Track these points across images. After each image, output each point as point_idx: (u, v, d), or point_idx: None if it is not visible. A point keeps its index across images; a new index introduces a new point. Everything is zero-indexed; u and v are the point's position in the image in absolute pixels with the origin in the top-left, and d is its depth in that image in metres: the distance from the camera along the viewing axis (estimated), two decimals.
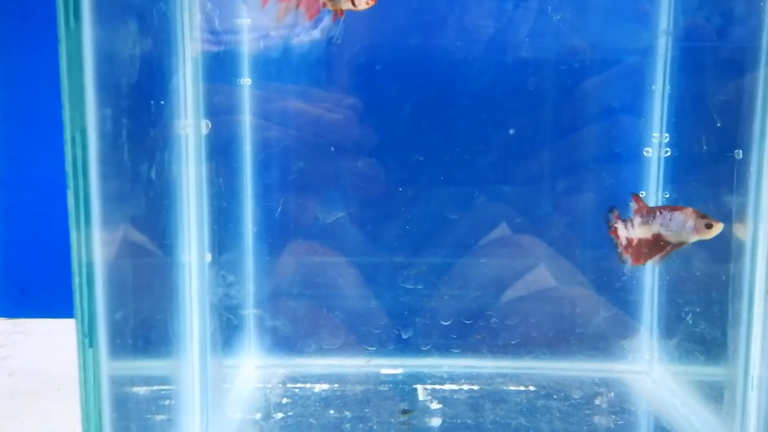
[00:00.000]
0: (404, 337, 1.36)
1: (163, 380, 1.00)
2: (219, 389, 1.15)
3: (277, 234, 1.34)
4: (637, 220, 1.07)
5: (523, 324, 1.35)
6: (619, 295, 1.34)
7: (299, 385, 1.29)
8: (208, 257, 1.06)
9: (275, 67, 1.31)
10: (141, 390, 0.93)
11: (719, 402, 1.10)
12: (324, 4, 0.97)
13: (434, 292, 1.35)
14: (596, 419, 1.17)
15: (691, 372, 1.24)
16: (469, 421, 1.15)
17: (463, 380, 1.31)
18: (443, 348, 1.36)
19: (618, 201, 1.31)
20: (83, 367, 0.78)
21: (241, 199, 1.31)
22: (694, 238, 1.03)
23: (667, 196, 1.28)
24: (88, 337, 0.77)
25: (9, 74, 1.66)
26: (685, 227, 1.03)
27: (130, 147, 0.82)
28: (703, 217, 1.02)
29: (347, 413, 1.18)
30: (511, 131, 1.30)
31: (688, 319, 1.21)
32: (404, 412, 1.19)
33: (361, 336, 1.36)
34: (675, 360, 1.29)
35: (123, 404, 0.84)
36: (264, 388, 1.28)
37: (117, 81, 0.80)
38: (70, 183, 0.73)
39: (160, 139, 0.92)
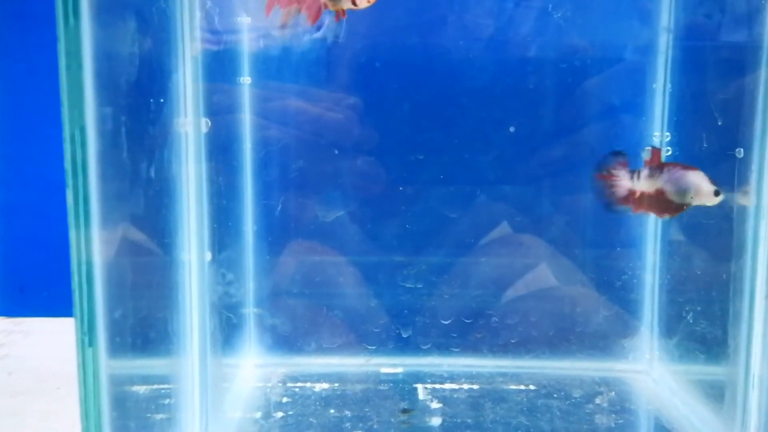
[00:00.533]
0: (404, 336, 1.36)
1: (163, 379, 0.99)
2: (219, 388, 1.15)
3: (277, 233, 1.34)
4: (645, 172, 1.05)
5: (523, 323, 1.35)
6: (619, 293, 1.34)
7: (299, 384, 1.29)
8: (208, 256, 1.06)
9: (275, 65, 1.31)
10: (140, 389, 0.93)
11: (720, 401, 1.10)
12: (325, 5, 0.97)
13: (434, 291, 1.35)
14: (597, 418, 1.17)
15: (692, 371, 1.23)
16: (469, 421, 1.15)
17: (463, 379, 1.31)
18: (443, 347, 1.36)
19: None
20: (83, 365, 0.78)
21: (241, 198, 1.31)
22: (697, 202, 1.02)
23: None
24: (87, 335, 0.77)
25: (8, 73, 1.66)
26: (693, 188, 1.02)
27: (129, 145, 0.82)
28: (713, 183, 1.02)
29: (347, 412, 1.18)
30: (512, 129, 1.30)
31: (688, 318, 1.21)
32: (404, 411, 1.18)
33: (361, 335, 1.36)
34: (675, 359, 1.28)
35: (122, 403, 0.84)
36: (264, 387, 1.28)
37: (116, 79, 0.80)
38: (70, 181, 0.73)
39: (160, 137, 0.92)
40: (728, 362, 1.06)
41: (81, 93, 0.71)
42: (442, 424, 1.14)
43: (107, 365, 0.79)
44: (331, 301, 1.36)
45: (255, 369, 1.35)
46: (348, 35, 1.28)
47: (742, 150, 1.02)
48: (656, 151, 1.05)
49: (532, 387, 1.28)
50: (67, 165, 0.72)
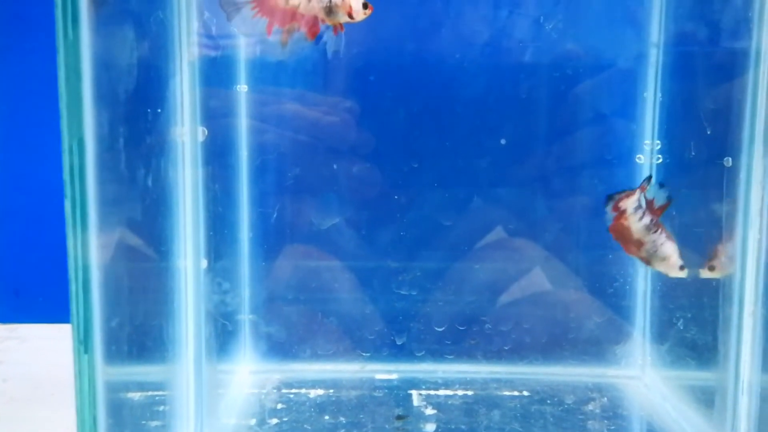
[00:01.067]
0: (399, 342, 1.36)
1: (158, 386, 1.00)
2: (214, 395, 1.16)
3: (272, 239, 1.35)
4: (647, 220, 1.07)
5: (517, 329, 1.36)
6: (611, 300, 1.35)
7: (294, 390, 1.29)
8: (204, 263, 1.07)
9: (272, 73, 1.32)
10: (136, 395, 0.93)
11: (710, 406, 1.11)
12: (322, 20, 0.98)
13: (428, 297, 1.36)
14: (589, 424, 1.18)
15: (683, 377, 1.25)
16: (463, 427, 1.16)
17: (457, 386, 1.31)
18: (437, 354, 1.36)
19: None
20: (78, 372, 0.78)
21: (237, 205, 1.32)
22: (659, 268, 1.08)
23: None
24: (83, 343, 0.78)
25: (4, 77, 1.66)
26: (663, 256, 1.06)
27: (127, 154, 0.83)
28: (681, 258, 1.07)
29: (342, 419, 1.18)
30: (503, 141, 1.31)
31: (679, 324, 1.22)
32: (399, 417, 1.19)
33: (355, 341, 1.36)
34: (667, 365, 1.30)
35: (118, 410, 0.85)
36: (259, 394, 1.29)
37: (114, 89, 0.81)
38: (68, 191, 0.74)
39: (157, 146, 0.93)
40: (718, 368, 1.07)
41: (80, 105, 0.72)
42: (436, 430, 1.15)
43: (103, 372, 0.80)
44: (326, 307, 1.36)
45: (250, 375, 1.36)
46: (344, 41, 1.29)
47: (730, 159, 1.03)
48: (666, 206, 1.08)
49: (525, 393, 1.29)
50: (66, 175, 0.73)
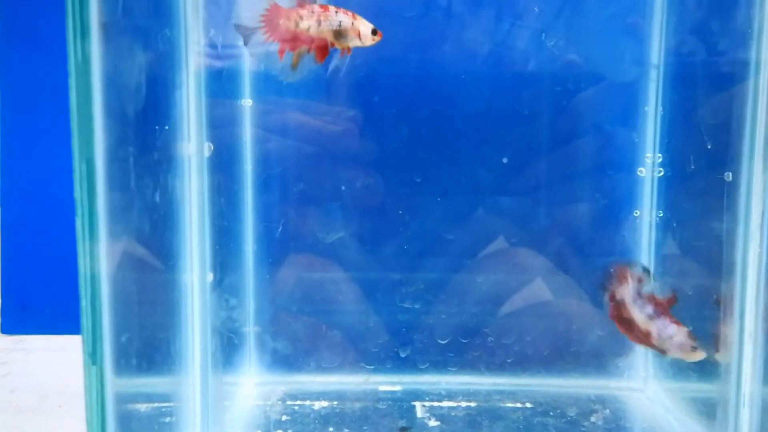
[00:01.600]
0: (402, 355, 1.37)
1: (165, 397, 1.01)
2: (219, 406, 1.16)
3: (277, 252, 1.36)
4: (648, 309, 1.08)
5: (520, 341, 1.36)
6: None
7: (298, 402, 1.30)
8: (210, 277, 1.08)
9: (276, 86, 1.33)
10: (144, 407, 0.94)
11: (712, 419, 1.11)
12: (331, 44, 0.99)
13: (431, 310, 1.36)
14: None
15: (685, 389, 1.25)
16: None
17: (460, 397, 1.32)
18: (441, 365, 1.37)
19: (613, 220, 1.34)
20: (87, 384, 0.79)
21: (242, 219, 1.33)
22: (673, 354, 1.07)
23: (661, 215, 1.30)
24: (92, 355, 0.79)
25: (13, 92, 1.68)
26: (673, 340, 1.06)
27: (135, 170, 0.84)
28: (693, 339, 1.05)
29: (346, 430, 1.19)
30: (505, 160, 1.32)
31: None
32: (402, 429, 1.20)
33: (359, 354, 1.37)
34: (669, 377, 1.30)
35: (126, 421, 0.86)
36: (264, 405, 1.29)
37: (123, 107, 0.82)
38: (78, 205, 0.75)
39: (164, 161, 0.94)
40: (720, 381, 1.08)
41: (90, 125, 0.73)
42: None
43: (112, 384, 0.81)
44: (330, 320, 1.37)
45: (255, 387, 1.36)
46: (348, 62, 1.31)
47: (730, 174, 1.04)
48: (672, 299, 1.08)
49: (528, 405, 1.29)
50: (77, 193, 0.74)
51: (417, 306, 1.36)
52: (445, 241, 1.35)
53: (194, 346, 1.04)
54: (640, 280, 1.08)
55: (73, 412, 1.29)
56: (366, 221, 1.35)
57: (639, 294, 1.08)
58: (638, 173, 1.32)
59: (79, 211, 0.74)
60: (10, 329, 1.74)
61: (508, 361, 1.36)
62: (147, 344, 0.92)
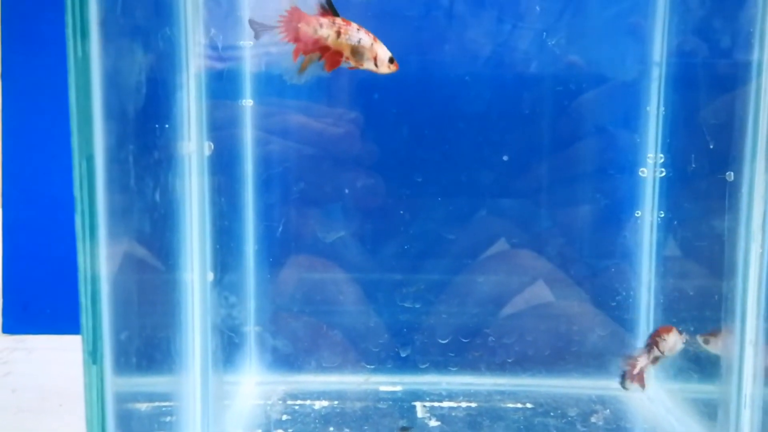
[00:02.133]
0: (403, 355, 1.37)
1: (166, 396, 1.01)
2: (220, 406, 1.16)
3: (277, 252, 1.36)
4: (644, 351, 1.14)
5: (520, 342, 1.36)
6: (614, 313, 1.35)
7: (299, 401, 1.30)
8: (211, 276, 1.08)
9: (277, 86, 1.33)
10: (144, 406, 0.94)
11: (713, 419, 1.11)
12: (346, 59, 0.99)
13: (432, 310, 1.36)
14: None
15: (686, 390, 1.25)
16: None
17: (461, 397, 1.32)
18: (441, 366, 1.37)
19: (614, 221, 1.34)
20: (88, 383, 0.79)
21: (243, 218, 1.33)
22: (674, 353, 1.13)
23: (662, 215, 1.30)
24: (92, 354, 0.79)
25: (13, 91, 1.68)
26: (674, 348, 1.12)
27: (135, 169, 0.84)
28: (680, 332, 1.12)
29: (346, 430, 1.19)
30: (505, 158, 1.32)
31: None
32: (403, 429, 1.20)
33: (360, 353, 1.37)
34: (670, 378, 1.30)
35: (126, 420, 0.86)
36: (264, 405, 1.29)
37: (123, 106, 0.82)
38: (78, 204, 0.75)
39: (164, 160, 0.94)
40: (721, 381, 1.08)
41: (90, 123, 0.73)
42: None
43: (112, 383, 0.81)
44: (331, 319, 1.37)
45: (255, 387, 1.36)
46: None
47: (732, 173, 1.04)
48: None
49: (529, 405, 1.29)
50: (76, 191, 0.74)
51: (418, 306, 1.36)
52: (446, 242, 1.35)
53: (194, 345, 1.04)
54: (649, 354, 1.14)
55: (74, 412, 1.29)
56: (367, 221, 1.35)
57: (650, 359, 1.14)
58: (640, 174, 1.32)
59: (78, 209, 0.74)
60: (12, 329, 1.74)
61: (509, 361, 1.36)
62: (147, 343, 0.92)
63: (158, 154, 0.93)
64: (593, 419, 1.24)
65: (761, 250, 1.00)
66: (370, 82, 1.32)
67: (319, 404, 1.29)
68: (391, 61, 1.00)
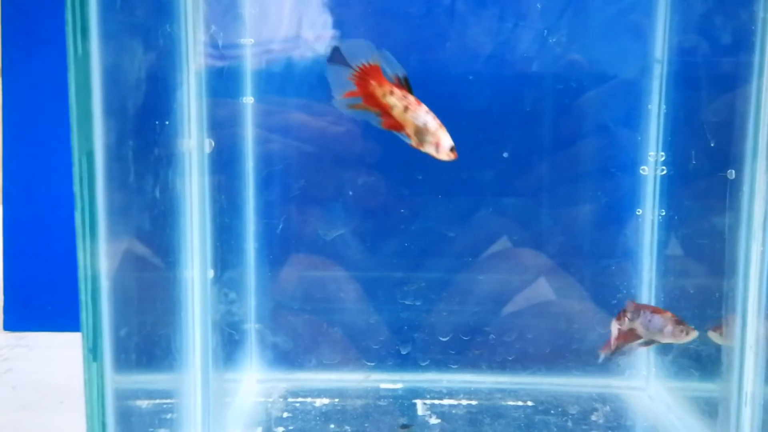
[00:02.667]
0: (403, 352, 1.37)
1: (166, 394, 1.01)
2: (220, 403, 1.16)
3: (278, 249, 1.36)
4: (629, 316, 1.12)
5: (521, 339, 1.36)
6: (615, 311, 1.34)
7: (300, 399, 1.30)
8: (211, 273, 1.08)
9: (278, 84, 1.33)
10: (144, 403, 0.94)
11: (714, 417, 1.11)
12: (407, 134, 1.00)
13: (433, 307, 1.36)
14: None
15: (687, 388, 1.25)
16: None
17: (461, 395, 1.32)
18: (442, 363, 1.37)
19: (615, 219, 1.34)
20: (88, 380, 0.79)
21: (243, 216, 1.33)
22: (667, 341, 1.10)
23: (663, 213, 1.30)
24: (92, 351, 0.79)
25: (14, 89, 1.68)
26: (663, 331, 1.08)
27: (135, 166, 0.84)
28: (680, 323, 1.09)
29: (347, 427, 1.19)
30: (505, 155, 1.32)
31: None
32: (403, 426, 1.20)
33: (360, 351, 1.37)
34: (671, 376, 1.30)
35: (127, 417, 0.86)
36: (265, 402, 1.29)
37: (124, 103, 0.82)
38: (78, 201, 0.75)
39: (165, 157, 0.94)
40: (721, 379, 1.08)
41: (89, 119, 0.73)
42: None
43: (112, 380, 0.81)
44: (332, 317, 1.37)
45: (256, 384, 1.37)
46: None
47: (733, 171, 1.04)
48: (634, 305, 1.12)
49: (529, 403, 1.29)
50: (76, 188, 0.74)
51: (418, 303, 1.36)
52: (446, 239, 1.35)
53: (195, 342, 1.04)
54: (620, 319, 1.11)
55: (75, 409, 1.29)
56: (367, 219, 1.35)
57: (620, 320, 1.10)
58: (641, 172, 1.32)
59: (78, 205, 0.74)
60: (13, 326, 1.75)
61: (510, 359, 1.36)
62: (148, 340, 0.92)
63: (158, 151, 0.93)
64: (594, 417, 1.24)
65: (762, 248, 0.99)
66: None
67: (319, 402, 1.29)
68: (451, 150, 1.00)
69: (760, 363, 1.00)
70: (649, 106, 1.31)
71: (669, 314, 1.08)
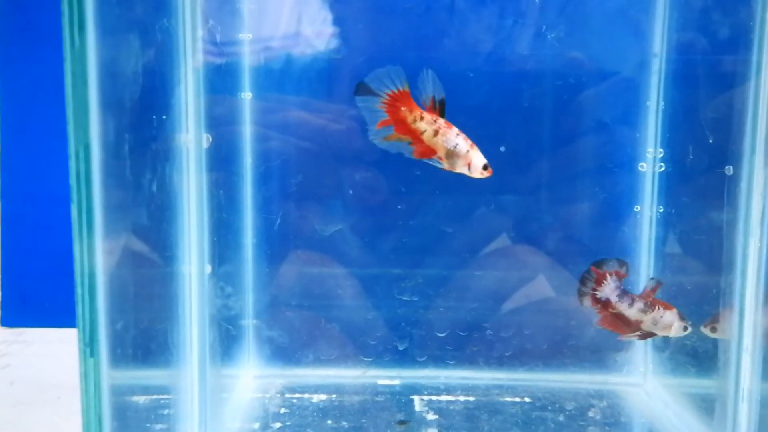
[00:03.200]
0: (401, 348, 1.37)
1: (163, 389, 1.01)
2: (218, 399, 1.16)
3: (276, 245, 1.36)
4: (640, 305, 1.09)
5: (518, 336, 1.36)
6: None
7: (297, 395, 1.30)
8: (208, 268, 1.08)
9: (276, 80, 1.33)
10: (141, 399, 0.94)
11: (711, 414, 1.11)
12: (439, 157, 1.00)
13: (431, 303, 1.36)
14: (590, 431, 1.18)
15: (684, 384, 1.25)
16: None
17: (459, 391, 1.32)
18: (439, 359, 1.37)
19: (613, 215, 1.34)
20: (84, 376, 0.79)
21: (241, 211, 1.33)
22: (667, 334, 1.09)
23: (662, 210, 1.30)
24: (89, 346, 0.79)
25: (11, 86, 1.68)
26: (669, 328, 1.09)
27: (132, 161, 0.84)
28: (683, 319, 1.08)
29: (344, 423, 1.19)
30: (502, 149, 1.32)
31: None
32: (401, 422, 1.20)
33: (358, 347, 1.37)
34: (668, 372, 1.30)
35: (123, 413, 0.86)
36: (262, 398, 1.29)
37: (120, 96, 0.82)
38: (74, 196, 0.75)
39: (162, 152, 0.94)
40: (719, 376, 1.08)
41: (86, 112, 0.73)
42: None
43: (108, 376, 0.81)
44: (329, 313, 1.37)
45: (254, 380, 1.37)
46: (349, 50, 1.31)
47: (731, 167, 1.04)
48: (654, 289, 1.09)
49: (527, 399, 1.29)
50: (72, 181, 0.74)
51: (416, 299, 1.36)
52: (444, 236, 1.35)
53: (192, 338, 1.04)
54: (618, 275, 1.08)
55: (72, 404, 1.29)
56: (365, 215, 1.35)
57: (624, 291, 1.08)
58: (639, 168, 1.32)
59: (74, 198, 0.74)
60: (10, 322, 1.74)
61: (507, 355, 1.36)
62: (145, 336, 0.92)
63: (156, 146, 0.92)
64: (591, 413, 1.24)
65: (760, 244, 0.99)
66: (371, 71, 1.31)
67: (317, 398, 1.29)
68: (485, 168, 1.00)
69: (757, 359, 1.01)
70: (648, 102, 1.31)
71: (674, 309, 1.08)
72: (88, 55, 0.72)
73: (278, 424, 1.19)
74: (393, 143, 1.01)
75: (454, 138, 1.00)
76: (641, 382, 1.35)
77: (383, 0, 1.31)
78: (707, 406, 1.14)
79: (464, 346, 1.37)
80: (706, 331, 1.09)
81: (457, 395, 1.30)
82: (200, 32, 1.01)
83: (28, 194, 1.71)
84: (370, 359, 1.37)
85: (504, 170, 1.33)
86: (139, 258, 0.91)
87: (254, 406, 1.27)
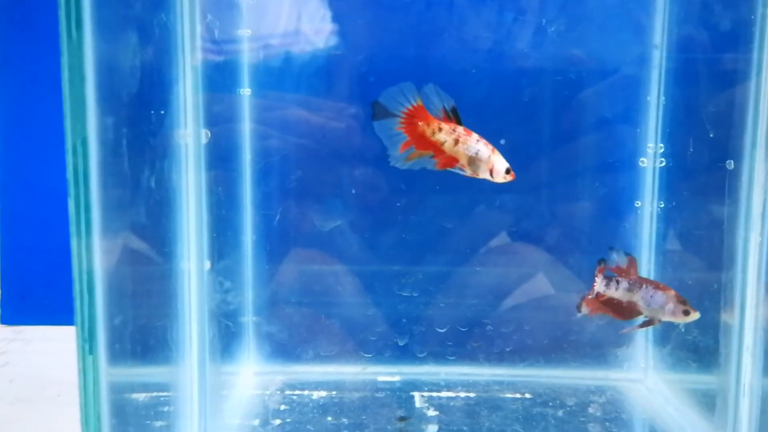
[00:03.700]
0: (401, 344, 1.37)
1: (162, 386, 1.01)
2: (218, 396, 1.16)
3: (275, 242, 1.35)
4: (624, 284, 1.08)
5: (519, 332, 1.36)
6: None
7: (297, 391, 1.30)
8: (208, 265, 1.08)
9: (275, 76, 1.32)
10: (140, 396, 0.94)
11: (712, 409, 1.11)
12: (461, 166, 1.00)
13: (431, 300, 1.36)
14: (591, 426, 1.18)
15: (685, 380, 1.25)
16: (465, 428, 1.16)
17: (459, 387, 1.32)
18: (440, 355, 1.37)
19: (614, 211, 1.33)
20: (83, 373, 0.79)
21: (240, 208, 1.33)
22: (667, 319, 1.07)
23: (662, 205, 1.29)
24: (88, 343, 0.78)
25: (10, 82, 1.68)
26: (664, 308, 1.06)
27: (130, 156, 0.84)
28: (683, 303, 1.06)
29: (344, 420, 1.19)
30: (502, 142, 1.31)
31: (681, 327, 1.22)
32: (401, 419, 1.20)
33: (358, 343, 1.37)
34: (669, 368, 1.30)
35: (122, 410, 0.86)
36: (262, 395, 1.29)
37: (118, 91, 0.81)
38: (71, 191, 0.75)
39: (160, 148, 0.94)
40: (720, 371, 1.07)
41: (83, 106, 0.72)
42: None
43: (107, 372, 0.81)
44: (329, 310, 1.37)
45: (254, 377, 1.36)
46: (348, 47, 1.30)
47: (732, 162, 1.04)
48: (633, 261, 1.08)
49: (527, 395, 1.29)
50: (69, 175, 0.74)
51: (416, 295, 1.36)
52: (444, 232, 1.34)
53: (191, 334, 1.03)
54: (600, 270, 1.08)
55: (71, 402, 1.29)
56: (365, 211, 1.34)
57: (607, 277, 1.08)
58: (640, 164, 1.32)
59: (72, 193, 0.74)
60: (10, 320, 1.74)
61: (507, 351, 1.36)
62: (144, 333, 0.91)
63: (154, 142, 0.92)
64: (591, 409, 1.24)
65: (761, 239, 0.99)
66: (368, 72, 1.31)
67: (317, 394, 1.29)
68: (507, 171, 1.00)
69: (758, 354, 1.00)
70: (648, 98, 1.31)
71: (672, 292, 1.07)
72: (85, 49, 0.72)
73: (278, 421, 1.19)
74: (416, 161, 1.01)
75: (475, 144, 1.00)
76: (642, 377, 1.35)
77: None
78: (708, 401, 1.14)
79: (464, 342, 1.36)
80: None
81: (458, 391, 1.30)
82: (198, 27, 1.00)
83: (28, 191, 1.71)
84: (370, 355, 1.37)
85: None
86: (137, 254, 0.91)
87: (254, 402, 1.26)
